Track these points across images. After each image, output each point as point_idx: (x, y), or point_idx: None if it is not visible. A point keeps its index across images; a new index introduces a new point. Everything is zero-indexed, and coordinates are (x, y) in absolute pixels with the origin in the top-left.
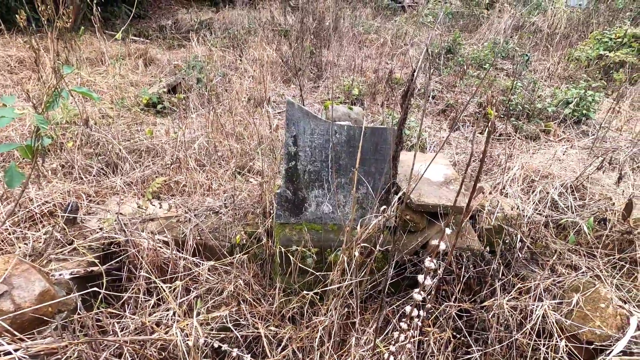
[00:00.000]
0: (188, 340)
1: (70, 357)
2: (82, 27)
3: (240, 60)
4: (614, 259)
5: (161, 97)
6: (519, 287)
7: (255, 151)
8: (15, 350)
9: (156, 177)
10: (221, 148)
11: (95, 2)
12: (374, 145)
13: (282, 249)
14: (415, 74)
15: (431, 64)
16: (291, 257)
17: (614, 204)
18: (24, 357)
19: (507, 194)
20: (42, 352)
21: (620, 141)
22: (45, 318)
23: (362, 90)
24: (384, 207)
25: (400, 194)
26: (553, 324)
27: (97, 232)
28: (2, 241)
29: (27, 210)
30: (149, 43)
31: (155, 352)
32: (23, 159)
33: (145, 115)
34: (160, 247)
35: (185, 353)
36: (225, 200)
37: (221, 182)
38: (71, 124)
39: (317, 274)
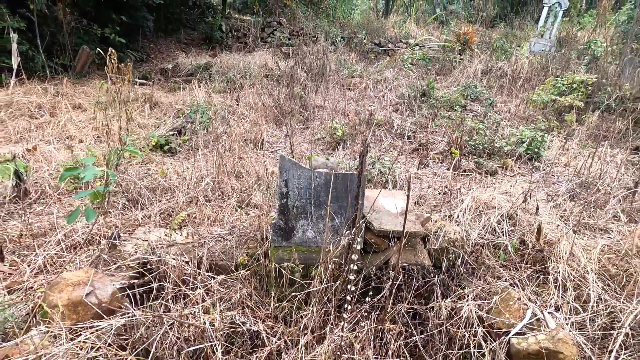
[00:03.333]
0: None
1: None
2: (102, 81)
3: (237, 104)
4: (531, 271)
5: (168, 139)
6: (458, 293)
7: (252, 188)
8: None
9: (173, 211)
10: (224, 185)
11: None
12: (345, 186)
13: (277, 266)
14: (366, 145)
15: (407, 107)
16: (284, 271)
17: (534, 229)
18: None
19: (458, 222)
20: (125, 325)
21: (565, 175)
22: (113, 309)
23: (345, 132)
24: (348, 231)
25: (363, 222)
26: (474, 317)
27: (134, 255)
28: (55, 263)
29: (72, 239)
30: (151, 86)
31: (192, 333)
32: (92, 200)
33: (155, 155)
34: (184, 266)
35: (211, 332)
36: (230, 230)
37: (225, 214)
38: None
39: (303, 282)
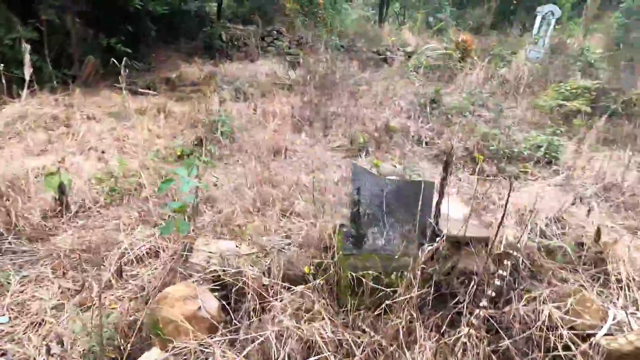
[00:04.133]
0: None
1: None
2: (121, 92)
3: (255, 112)
4: (592, 272)
5: (192, 149)
6: (526, 297)
7: (292, 195)
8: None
9: (220, 221)
10: (264, 194)
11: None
12: (414, 194)
13: (352, 274)
14: (451, 154)
15: (419, 114)
16: (363, 280)
17: (587, 231)
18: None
19: (505, 225)
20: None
21: (585, 179)
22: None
23: (366, 139)
24: (438, 238)
25: (430, 229)
26: (557, 319)
27: (207, 266)
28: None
29: (134, 251)
30: (158, 95)
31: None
32: (177, 211)
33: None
34: (261, 276)
35: (322, 343)
36: (285, 238)
37: (271, 223)
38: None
39: (387, 290)
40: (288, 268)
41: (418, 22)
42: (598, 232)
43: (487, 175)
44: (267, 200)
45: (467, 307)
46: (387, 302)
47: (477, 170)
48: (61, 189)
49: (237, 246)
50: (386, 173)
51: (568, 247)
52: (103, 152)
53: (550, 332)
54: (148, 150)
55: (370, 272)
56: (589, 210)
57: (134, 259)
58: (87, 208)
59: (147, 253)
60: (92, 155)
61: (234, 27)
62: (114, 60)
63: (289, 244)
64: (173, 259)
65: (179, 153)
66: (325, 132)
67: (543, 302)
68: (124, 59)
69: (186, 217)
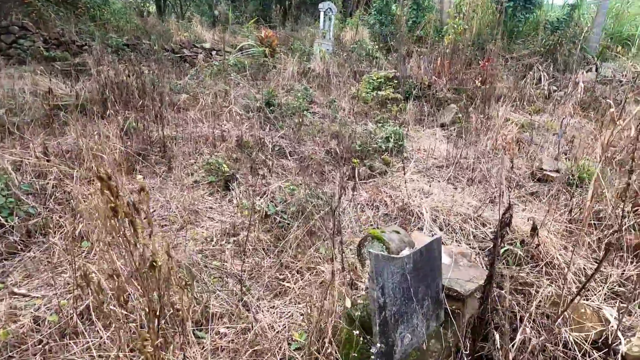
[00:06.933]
0: None
1: None
2: None
3: (47, 159)
4: (538, 268)
5: None
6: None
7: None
8: None
9: None
10: None
11: None
12: (427, 259)
13: None
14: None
15: (263, 120)
16: None
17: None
18: None
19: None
20: None
21: (434, 160)
22: None
23: (228, 165)
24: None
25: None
26: (572, 339)
27: None
28: None
29: None
30: None
31: None
32: None
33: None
34: None
35: None
36: None
37: None
38: None
39: None
40: None
41: (204, 15)
42: (534, 228)
43: (363, 179)
44: None
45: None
46: None
47: (356, 175)
48: None
49: None
50: (399, 247)
51: (519, 249)
52: None
53: (568, 350)
54: None
55: None
56: (509, 206)
57: None
58: None
59: None
60: None
61: None
62: None
63: None
64: None
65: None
66: (170, 164)
67: (554, 323)
68: None
69: None
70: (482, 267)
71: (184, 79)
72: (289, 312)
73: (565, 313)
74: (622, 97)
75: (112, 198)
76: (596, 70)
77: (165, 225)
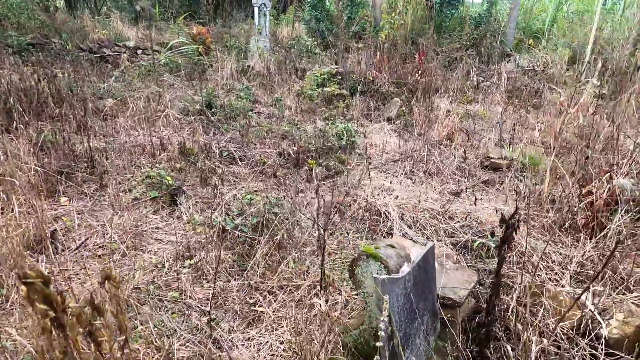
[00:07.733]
0: None
1: None
2: None
3: None
4: (510, 260)
5: None
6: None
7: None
8: None
9: None
10: None
11: None
12: (425, 271)
13: None
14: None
15: (205, 124)
16: None
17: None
18: None
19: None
20: None
21: (388, 155)
22: None
23: (169, 179)
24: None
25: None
26: (557, 328)
27: None
28: None
29: None
30: None
31: None
32: None
33: None
34: None
35: None
36: None
37: None
38: None
39: None
40: None
41: (124, 11)
42: (503, 218)
43: (321, 180)
44: None
45: None
46: None
47: (314, 177)
48: None
49: None
50: (399, 263)
51: (492, 243)
52: None
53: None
54: None
55: None
56: (475, 199)
57: None
58: None
59: None
60: None
61: None
62: None
63: None
64: None
65: None
66: (102, 181)
67: (543, 316)
68: None
69: None
70: (467, 268)
71: (108, 81)
72: (267, 342)
73: (546, 303)
74: (539, 85)
75: (50, 309)
76: (515, 61)
77: (104, 255)
